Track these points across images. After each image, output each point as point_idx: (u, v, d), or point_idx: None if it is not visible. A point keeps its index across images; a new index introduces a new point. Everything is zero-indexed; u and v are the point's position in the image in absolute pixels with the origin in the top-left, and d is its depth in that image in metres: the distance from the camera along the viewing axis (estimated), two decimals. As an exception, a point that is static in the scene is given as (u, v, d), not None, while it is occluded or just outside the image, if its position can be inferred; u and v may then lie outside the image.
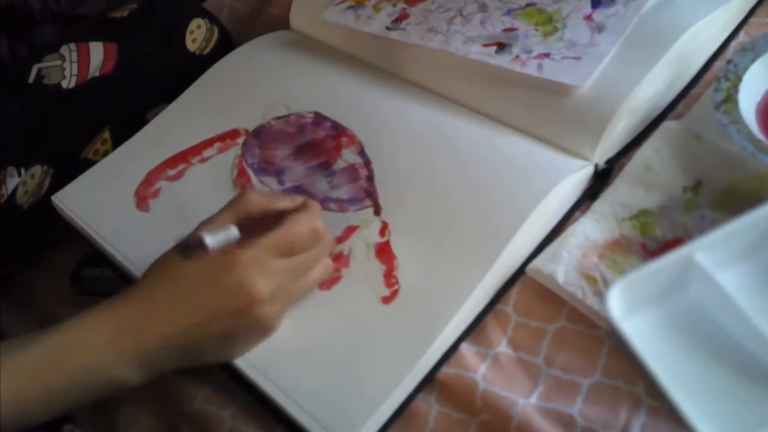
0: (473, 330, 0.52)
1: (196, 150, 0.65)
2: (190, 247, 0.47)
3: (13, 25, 0.79)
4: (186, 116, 0.69)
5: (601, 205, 0.54)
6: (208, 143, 0.65)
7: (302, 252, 0.50)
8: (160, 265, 0.51)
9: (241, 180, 0.62)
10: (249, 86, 0.69)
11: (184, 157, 0.65)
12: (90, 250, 0.64)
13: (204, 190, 0.62)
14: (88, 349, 0.47)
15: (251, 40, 0.74)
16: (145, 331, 0.48)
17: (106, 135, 0.68)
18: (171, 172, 0.64)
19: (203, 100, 0.70)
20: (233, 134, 0.65)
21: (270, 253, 0.49)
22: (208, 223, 0.51)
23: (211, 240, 0.47)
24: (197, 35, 0.73)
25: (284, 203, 0.52)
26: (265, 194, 0.53)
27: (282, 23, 0.76)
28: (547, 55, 0.58)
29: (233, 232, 0.49)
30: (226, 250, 0.48)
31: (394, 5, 0.67)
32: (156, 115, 0.70)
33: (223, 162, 0.64)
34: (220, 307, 0.48)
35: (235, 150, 0.64)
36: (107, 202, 0.63)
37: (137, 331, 0.48)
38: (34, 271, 0.68)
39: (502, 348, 0.52)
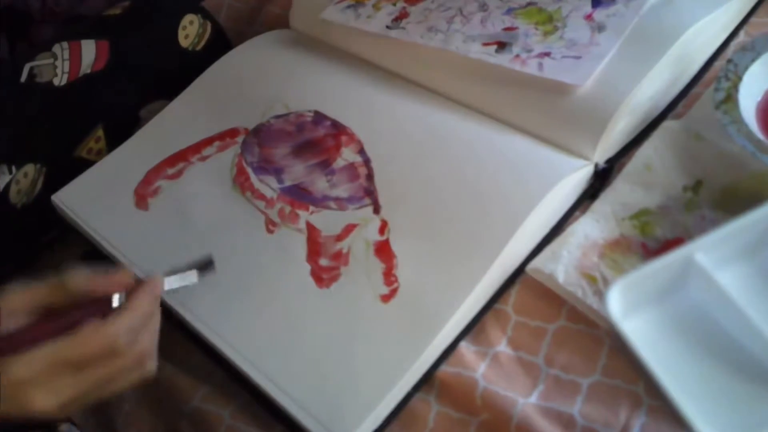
0: (472, 329, 0.52)
1: (196, 149, 0.65)
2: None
3: (13, 25, 0.79)
4: (185, 115, 0.69)
5: (601, 204, 0.54)
6: (208, 142, 0.65)
7: (100, 367, 0.43)
8: None
9: (240, 179, 0.62)
10: (248, 85, 0.69)
11: (183, 155, 0.65)
12: (89, 249, 0.64)
13: (203, 189, 0.62)
14: None
15: (251, 39, 0.74)
16: None
17: (100, 132, 0.68)
18: (170, 171, 0.64)
19: (203, 98, 0.70)
20: (233, 133, 0.65)
21: (54, 369, 0.42)
22: (20, 289, 0.45)
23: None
24: (189, 31, 0.73)
25: (106, 290, 0.46)
26: (87, 279, 0.45)
27: (282, 22, 0.76)
28: (547, 54, 0.58)
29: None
30: (4, 362, 0.42)
31: (394, 4, 0.67)
32: (149, 111, 0.70)
33: (223, 161, 0.63)
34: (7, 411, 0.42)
35: (234, 149, 0.64)
36: (107, 201, 0.63)
37: None
38: (31, 271, 0.68)
39: (502, 347, 0.51)
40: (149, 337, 0.46)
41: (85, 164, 0.66)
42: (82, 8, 0.80)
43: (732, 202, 0.51)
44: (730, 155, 0.52)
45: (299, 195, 0.59)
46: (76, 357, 0.43)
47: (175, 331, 0.57)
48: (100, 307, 0.45)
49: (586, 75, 0.55)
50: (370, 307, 0.52)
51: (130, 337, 0.44)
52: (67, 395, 0.43)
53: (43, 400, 0.42)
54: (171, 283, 0.49)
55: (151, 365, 0.47)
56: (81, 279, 0.45)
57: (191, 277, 0.50)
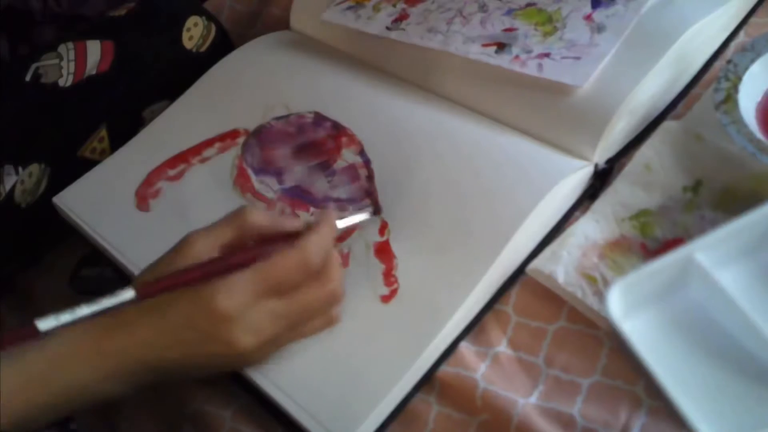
0: (472, 329, 0.52)
1: (197, 150, 0.65)
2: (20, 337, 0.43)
3: (13, 25, 0.79)
4: (186, 116, 0.69)
5: (601, 205, 0.54)
6: (208, 143, 0.65)
7: (297, 292, 0.46)
8: None
9: (240, 180, 0.62)
10: (249, 86, 0.69)
11: (184, 157, 0.65)
12: (89, 250, 0.64)
13: (204, 190, 0.62)
14: (73, 367, 0.45)
15: (251, 41, 0.74)
16: (126, 354, 0.46)
17: (103, 133, 0.68)
18: (171, 173, 0.64)
19: (203, 100, 0.70)
20: (233, 134, 0.65)
21: (254, 295, 0.44)
22: (203, 232, 0.48)
23: (44, 325, 0.43)
24: (194, 33, 0.73)
25: (290, 224, 0.48)
26: (267, 214, 0.48)
27: (282, 23, 0.76)
28: (547, 55, 0.58)
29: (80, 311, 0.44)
30: (204, 292, 0.44)
31: (394, 5, 0.67)
32: (153, 112, 0.70)
33: (223, 162, 0.63)
34: (198, 349, 0.45)
35: (235, 150, 0.64)
36: (108, 202, 0.63)
37: (119, 353, 0.45)
38: (34, 271, 0.68)
39: (502, 348, 0.52)
40: (337, 271, 0.48)
41: (89, 164, 0.67)
42: (83, 9, 0.81)
43: (732, 202, 0.51)
44: (730, 155, 0.52)
45: (300, 196, 0.59)
46: (273, 278, 0.44)
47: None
48: (286, 241, 0.46)
49: (585, 75, 0.55)
50: (371, 307, 0.52)
51: (321, 256, 0.46)
52: (267, 332, 0.45)
53: (245, 338, 0.44)
54: (344, 222, 0.51)
55: (338, 309, 0.49)
56: (262, 216, 0.48)
57: (362, 216, 0.53)
